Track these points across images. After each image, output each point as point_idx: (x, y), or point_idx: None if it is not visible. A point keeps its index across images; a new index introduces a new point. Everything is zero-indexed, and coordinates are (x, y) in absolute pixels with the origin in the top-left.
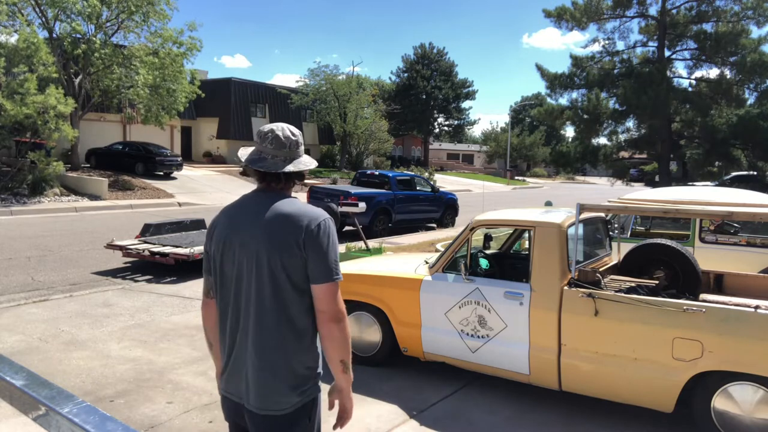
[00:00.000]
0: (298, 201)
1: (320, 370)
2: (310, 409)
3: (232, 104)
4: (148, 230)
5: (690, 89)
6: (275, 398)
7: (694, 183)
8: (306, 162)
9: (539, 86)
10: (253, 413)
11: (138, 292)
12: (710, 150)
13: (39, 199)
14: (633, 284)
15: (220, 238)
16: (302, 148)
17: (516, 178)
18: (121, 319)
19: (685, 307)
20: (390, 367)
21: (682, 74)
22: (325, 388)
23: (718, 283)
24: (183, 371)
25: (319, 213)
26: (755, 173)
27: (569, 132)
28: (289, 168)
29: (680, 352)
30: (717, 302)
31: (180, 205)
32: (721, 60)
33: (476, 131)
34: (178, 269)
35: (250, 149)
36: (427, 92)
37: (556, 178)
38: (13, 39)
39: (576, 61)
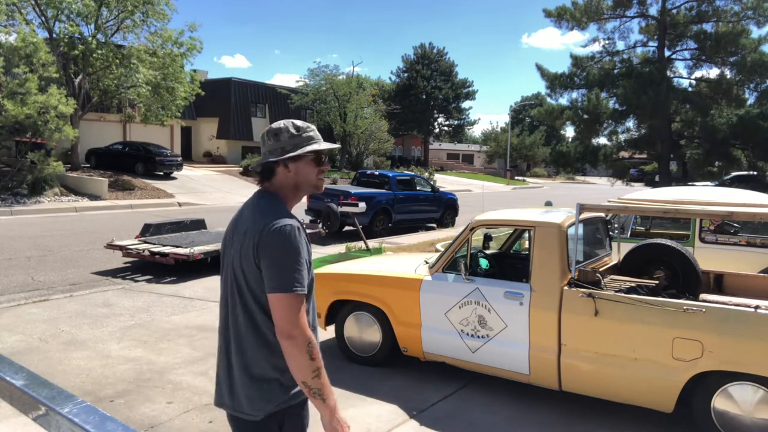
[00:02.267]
0: (275, 205)
1: (292, 382)
2: (280, 420)
3: (232, 104)
4: (148, 230)
5: (690, 89)
6: (243, 401)
7: (694, 183)
8: (286, 153)
9: (539, 86)
10: (228, 413)
11: (138, 292)
12: (710, 150)
13: (39, 199)
14: (633, 284)
15: (222, 240)
16: (294, 139)
17: (516, 178)
18: (121, 319)
19: (685, 307)
20: (390, 367)
21: (682, 74)
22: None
23: (718, 283)
24: (183, 371)
25: (284, 218)
26: (755, 173)
27: (569, 132)
28: (261, 160)
29: (680, 352)
30: (717, 302)
31: (180, 205)
32: (721, 60)
33: (476, 131)
34: (178, 269)
35: None
36: (427, 92)
37: (556, 178)
38: (12, 38)
39: (576, 61)
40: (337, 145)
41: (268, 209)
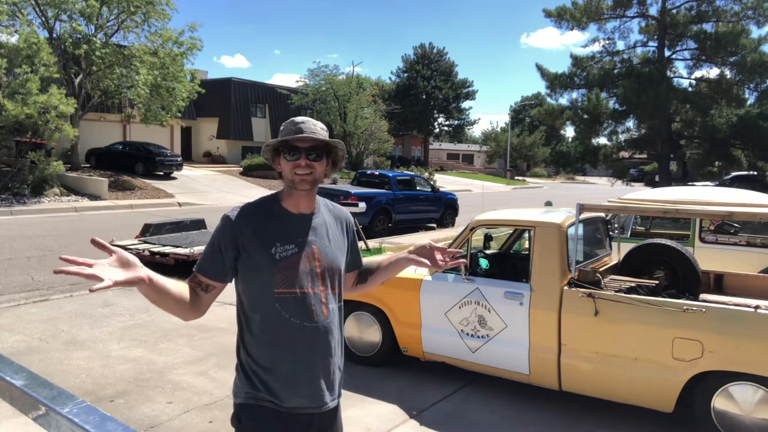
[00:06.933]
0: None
1: (238, 385)
2: (237, 413)
3: (232, 104)
4: (148, 230)
5: (690, 89)
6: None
7: (694, 183)
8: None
9: (539, 86)
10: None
11: (138, 292)
12: (710, 150)
13: (39, 199)
14: (633, 284)
15: None
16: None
17: (516, 178)
18: (121, 319)
19: (685, 307)
20: (390, 367)
21: (682, 74)
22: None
23: (718, 283)
24: (183, 371)
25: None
26: (755, 173)
27: (569, 132)
28: None
29: (680, 352)
30: (717, 302)
31: (180, 205)
32: (721, 60)
33: (476, 131)
34: (178, 269)
35: None
36: (427, 92)
37: (556, 178)
38: (14, 39)
39: (576, 60)
40: (291, 137)
41: None
